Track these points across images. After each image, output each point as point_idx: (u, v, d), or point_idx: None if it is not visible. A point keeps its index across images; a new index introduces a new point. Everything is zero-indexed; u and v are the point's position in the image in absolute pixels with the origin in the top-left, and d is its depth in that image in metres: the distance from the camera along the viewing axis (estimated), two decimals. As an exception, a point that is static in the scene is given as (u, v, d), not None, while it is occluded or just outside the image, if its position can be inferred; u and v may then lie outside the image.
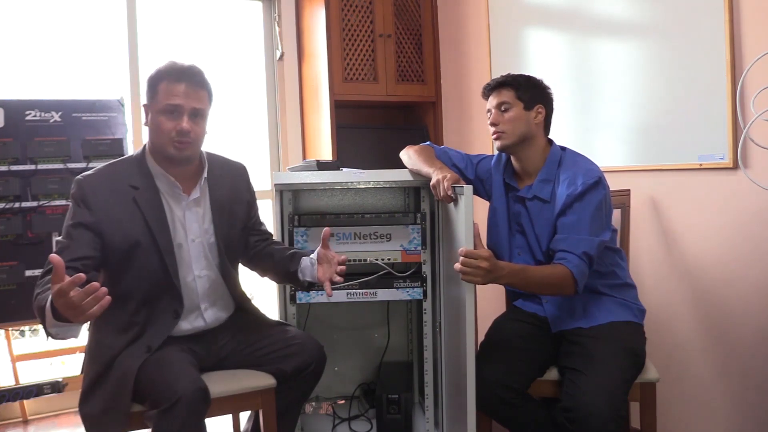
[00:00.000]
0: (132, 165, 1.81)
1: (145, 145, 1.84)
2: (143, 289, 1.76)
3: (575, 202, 1.81)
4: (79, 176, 1.76)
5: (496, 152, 2.06)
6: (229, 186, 1.93)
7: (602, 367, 1.68)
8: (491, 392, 1.77)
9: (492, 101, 1.96)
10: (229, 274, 1.90)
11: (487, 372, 1.76)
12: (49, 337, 1.55)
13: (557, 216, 1.84)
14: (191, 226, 1.83)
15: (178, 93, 1.70)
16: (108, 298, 1.38)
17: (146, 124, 1.79)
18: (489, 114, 1.96)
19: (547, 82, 1.98)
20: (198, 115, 1.75)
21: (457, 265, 1.64)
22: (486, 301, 2.56)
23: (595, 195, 1.80)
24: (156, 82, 1.73)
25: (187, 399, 1.56)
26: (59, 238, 1.73)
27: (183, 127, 1.70)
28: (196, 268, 1.84)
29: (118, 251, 1.72)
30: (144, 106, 1.79)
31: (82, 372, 1.83)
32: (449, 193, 1.80)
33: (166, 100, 1.70)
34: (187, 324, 1.84)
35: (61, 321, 1.44)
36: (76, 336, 1.57)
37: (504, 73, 1.98)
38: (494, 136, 1.94)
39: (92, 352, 1.77)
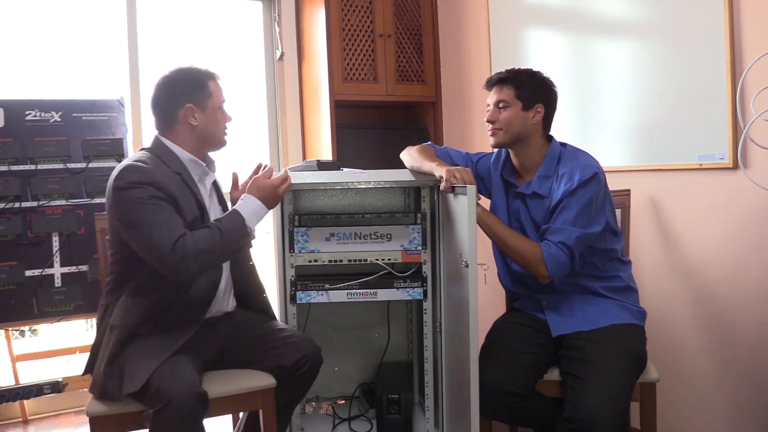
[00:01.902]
0: (159, 157, 1.82)
1: (158, 140, 1.85)
2: None
3: (568, 197, 1.82)
4: (125, 165, 1.73)
5: (494, 149, 2.06)
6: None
7: (604, 372, 1.67)
8: (494, 399, 1.76)
9: (492, 97, 1.96)
10: (234, 262, 1.98)
11: (489, 378, 1.74)
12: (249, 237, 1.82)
13: (551, 210, 1.85)
14: (212, 210, 1.94)
15: (222, 91, 1.92)
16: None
17: (195, 122, 1.83)
18: (488, 108, 1.97)
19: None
20: None
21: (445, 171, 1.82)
22: (486, 302, 2.56)
23: (588, 191, 1.81)
24: (203, 80, 1.86)
25: (180, 402, 1.57)
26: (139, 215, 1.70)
27: (232, 119, 1.95)
28: None
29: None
30: (190, 106, 1.82)
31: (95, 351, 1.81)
32: (465, 178, 1.78)
33: (220, 97, 1.90)
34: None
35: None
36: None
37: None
38: (489, 132, 1.96)
39: (129, 325, 1.75)
